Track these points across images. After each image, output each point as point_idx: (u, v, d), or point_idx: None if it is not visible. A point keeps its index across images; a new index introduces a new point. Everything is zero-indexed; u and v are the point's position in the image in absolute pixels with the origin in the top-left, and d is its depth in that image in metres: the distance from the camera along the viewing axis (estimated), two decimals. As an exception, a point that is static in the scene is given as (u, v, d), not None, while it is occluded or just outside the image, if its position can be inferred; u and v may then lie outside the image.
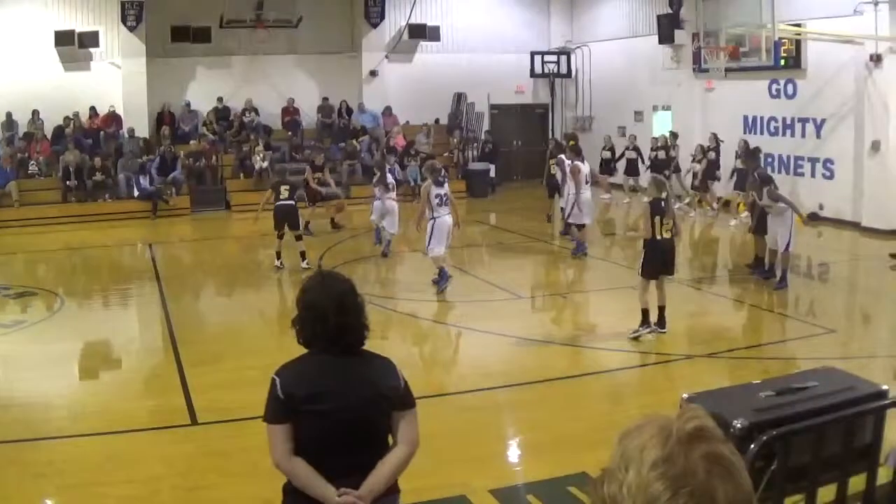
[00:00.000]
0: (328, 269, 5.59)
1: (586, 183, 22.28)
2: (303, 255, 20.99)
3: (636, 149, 32.56)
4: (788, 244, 18.55)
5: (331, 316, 5.21)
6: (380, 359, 5.52)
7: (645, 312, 15.26)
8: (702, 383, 11.10)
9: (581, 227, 22.36)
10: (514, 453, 10.94)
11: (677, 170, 30.62)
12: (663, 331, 15.37)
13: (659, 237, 15.10)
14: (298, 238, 21.13)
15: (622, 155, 32.93)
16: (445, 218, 18.74)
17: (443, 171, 19.87)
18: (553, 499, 9.07)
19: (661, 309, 15.39)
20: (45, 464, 10.00)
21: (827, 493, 5.34)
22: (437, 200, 18.64)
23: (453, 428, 11.35)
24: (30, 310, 18.01)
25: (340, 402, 5.16)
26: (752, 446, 4.99)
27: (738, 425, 5.22)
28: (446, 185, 19.11)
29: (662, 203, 15.21)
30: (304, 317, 5.31)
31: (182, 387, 12.74)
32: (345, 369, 5.29)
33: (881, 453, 5.61)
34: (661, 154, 30.62)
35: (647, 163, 31.47)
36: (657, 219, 15.08)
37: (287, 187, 21.12)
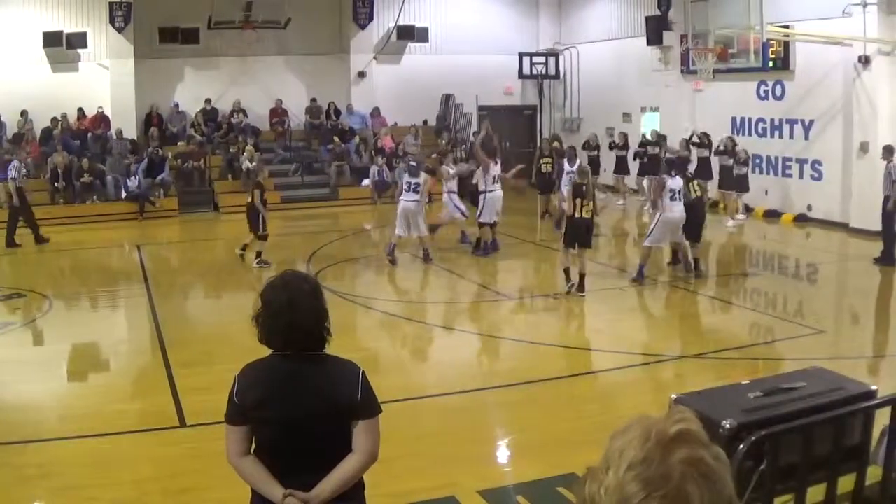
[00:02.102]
0: (293, 269, 5.46)
1: (494, 182, 23.05)
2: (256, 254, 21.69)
3: (625, 146, 32.55)
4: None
5: (283, 313, 5.12)
6: (342, 366, 5.37)
7: (566, 271, 18.64)
8: (691, 384, 11.14)
9: (486, 225, 22.93)
10: (503, 454, 10.94)
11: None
12: (583, 294, 18.37)
13: (578, 215, 18.17)
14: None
15: (611, 148, 32.77)
16: (404, 203, 21.38)
17: (415, 163, 22.89)
18: (542, 499, 9.07)
19: (582, 276, 18.41)
20: (33, 466, 9.98)
21: (816, 492, 5.35)
22: (405, 186, 21.64)
23: (442, 429, 11.38)
24: (18, 312, 17.98)
25: (286, 410, 5.12)
26: (741, 447, 5.00)
27: (727, 426, 5.22)
28: (419, 174, 21.93)
29: (584, 188, 18.24)
30: (261, 313, 5.26)
31: (170, 389, 12.75)
32: (298, 376, 5.20)
33: (870, 453, 5.63)
34: (652, 150, 30.62)
35: (637, 160, 31.65)
36: (577, 200, 18.17)
37: None
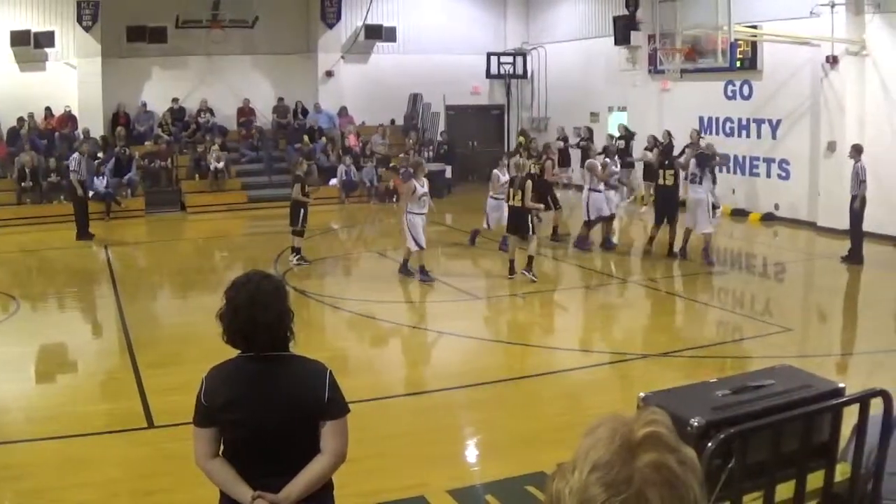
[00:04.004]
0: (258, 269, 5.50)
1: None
2: (293, 251, 21.64)
3: (589, 139, 32.52)
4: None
5: (244, 310, 5.11)
6: (309, 366, 5.37)
7: (511, 263, 19.87)
8: (658, 382, 11.13)
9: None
10: (471, 453, 10.95)
11: (630, 165, 30.69)
12: (527, 273, 19.63)
13: (510, 204, 19.92)
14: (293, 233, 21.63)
15: (576, 145, 32.58)
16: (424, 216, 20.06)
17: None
18: (511, 498, 9.08)
19: (529, 259, 19.74)
20: (0, 468, 9.92)
21: (785, 490, 5.36)
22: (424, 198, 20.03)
23: (411, 429, 11.38)
24: (-16, 312, 17.87)
25: (254, 412, 5.11)
26: (710, 445, 5.01)
27: (695, 424, 5.22)
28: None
29: (514, 180, 19.79)
30: (224, 311, 5.25)
31: (138, 389, 12.69)
32: (264, 377, 5.20)
33: (838, 450, 5.64)
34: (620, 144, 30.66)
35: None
36: (510, 190, 19.90)
37: None
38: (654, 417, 2.10)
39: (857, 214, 20.85)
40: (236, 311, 5.15)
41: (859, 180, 20.66)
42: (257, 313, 5.12)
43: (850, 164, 21.00)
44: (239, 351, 5.31)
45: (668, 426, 2.09)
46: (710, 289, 19.74)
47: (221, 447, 5.28)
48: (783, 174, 27.46)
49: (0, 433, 11.07)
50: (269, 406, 5.12)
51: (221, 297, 5.25)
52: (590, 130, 33.01)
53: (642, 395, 5.80)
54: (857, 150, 20.81)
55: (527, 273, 19.55)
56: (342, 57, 37.01)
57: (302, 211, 21.05)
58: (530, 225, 19.64)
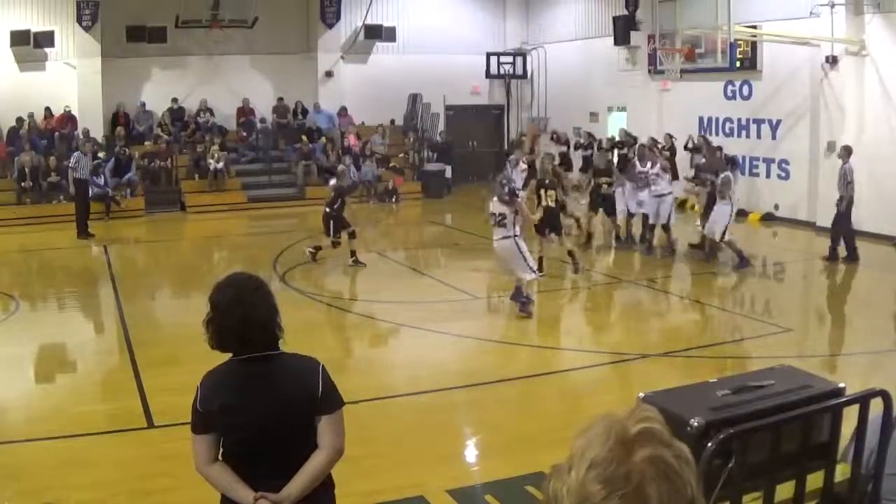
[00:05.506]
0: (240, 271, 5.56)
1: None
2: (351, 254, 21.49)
3: (590, 146, 32.49)
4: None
5: (233, 308, 5.14)
6: (301, 363, 5.38)
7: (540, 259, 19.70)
8: (658, 382, 11.12)
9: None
10: (471, 453, 10.93)
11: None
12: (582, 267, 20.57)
13: (545, 204, 19.74)
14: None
15: (577, 148, 32.54)
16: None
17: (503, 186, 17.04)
18: (510, 498, 9.08)
19: (570, 252, 20.52)
20: (0, 468, 9.93)
21: (785, 490, 5.35)
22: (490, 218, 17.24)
23: (410, 428, 11.38)
24: (-16, 312, 17.85)
25: (251, 414, 5.11)
26: (710, 445, 5.00)
27: (695, 424, 5.22)
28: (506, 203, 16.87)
29: (547, 181, 20.06)
30: (212, 316, 5.26)
31: (138, 389, 12.67)
32: (259, 378, 5.19)
33: (838, 451, 5.63)
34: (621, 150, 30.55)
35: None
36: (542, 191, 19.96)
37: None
38: (646, 414, 2.11)
39: (842, 215, 20.90)
40: (227, 312, 5.17)
41: (846, 181, 20.73)
42: (248, 312, 5.15)
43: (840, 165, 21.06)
44: (230, 355, 5.31)
45: (660, 422, 2.09)
46: (710, 289, 19.73)
47: (220, 451, 5.29)
48: (783, 174, 27.47)
49: (0, 433, 11.07)
50: (267, 407, 5.12)
51: (206, 304, 5.25)
52: (589, 135, 32.87)
53: (641, 395, 5.79)
54: (847, 152, 20.88)
55: (578, 270, 20.45)
56: (342, 57, 37.02)
57: (332, 221, 20.97)
58: (562, 225, 20.21)
